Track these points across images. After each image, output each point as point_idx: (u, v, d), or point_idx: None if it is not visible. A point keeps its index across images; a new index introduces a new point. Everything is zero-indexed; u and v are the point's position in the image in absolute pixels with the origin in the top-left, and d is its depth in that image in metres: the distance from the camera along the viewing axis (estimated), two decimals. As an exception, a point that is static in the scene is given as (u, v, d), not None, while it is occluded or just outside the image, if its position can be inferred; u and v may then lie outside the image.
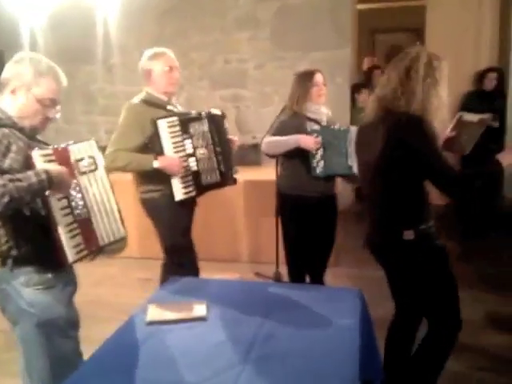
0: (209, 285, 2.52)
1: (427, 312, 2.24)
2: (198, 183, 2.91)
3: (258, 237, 4.56)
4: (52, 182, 1.75)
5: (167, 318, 2.04)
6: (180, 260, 3.02)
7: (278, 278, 3.98)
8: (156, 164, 2.76)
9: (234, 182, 3.13)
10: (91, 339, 2.10)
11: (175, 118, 2.81)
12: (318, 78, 3.23)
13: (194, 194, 2.91)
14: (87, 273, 2.05)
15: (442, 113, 2.10)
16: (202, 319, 2.04)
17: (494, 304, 3.58)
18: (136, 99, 2.93)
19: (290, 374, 1.68)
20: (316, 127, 3.18)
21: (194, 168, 2.88)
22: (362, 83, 5.93)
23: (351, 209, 5.42)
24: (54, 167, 1.81)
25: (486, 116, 2.85)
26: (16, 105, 1.90)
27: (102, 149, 2.13)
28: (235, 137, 3.16)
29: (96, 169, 2.02)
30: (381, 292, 2.49)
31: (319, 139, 3.10)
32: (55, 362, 1.96)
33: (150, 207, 2.98)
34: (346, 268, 4.30)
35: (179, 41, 5.49)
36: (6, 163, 1.74)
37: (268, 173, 4.12)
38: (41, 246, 1.87)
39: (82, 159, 1.97)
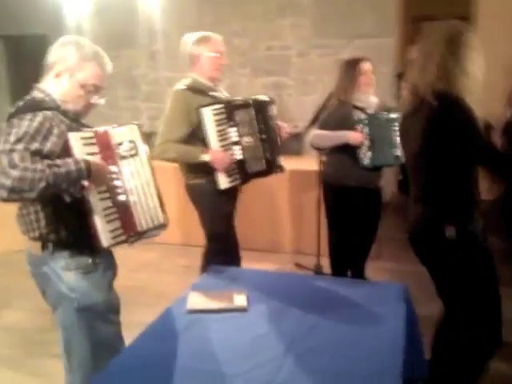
0: (250, 275, 2.49)
1: (468, 313, 2.13)
2: (244, 171, 2.87)
3: (300, 227, 4.50)
4: (90, 173, 1.74)
5: (207, 307, 2.03)
6: (221, 248, 3.00)
7: (318, 270, 3.93)
8: (206, 157, 2.73)
9: (281, 169, 3.07)
10: (132, 324, 2.11)
11: (220, 106, 2.76)
12: (367, 66, 3.14)
13: (239, 182, 2.88)
14: (127, 257, 2.05)
15: (473, 90, 1.93)
16: (242, 310, 2.02)
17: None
18: (181, 85, 2.89)
19: (330, 369, 1.64)
20: (363, 116, 3.11)
21: (240, 156, 2.84)
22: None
23: (393, 201, 5.29)
24: (94, 159, 1.79)
25: None
26: (59, 89, 1.89)
27: (146, 135, 2.11)
28: (285, 123, 3.09)
29: (136, 154, 1.99)
30: (423, 288, 2.41)
31: (366, 133, 3.03)
32: (96, 347, 1.96)
33: (196, 193, 2.97)
34: (386, 262, 4.21)
35: (220, 27, 5.39)
36: (47, 146, 1.73)
37: (310, 163, 4.07)
38: (80, 230, 1.86)
39: (122, 143, 1.95)
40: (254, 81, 5.73)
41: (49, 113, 1.80)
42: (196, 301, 2.09)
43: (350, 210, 3.22)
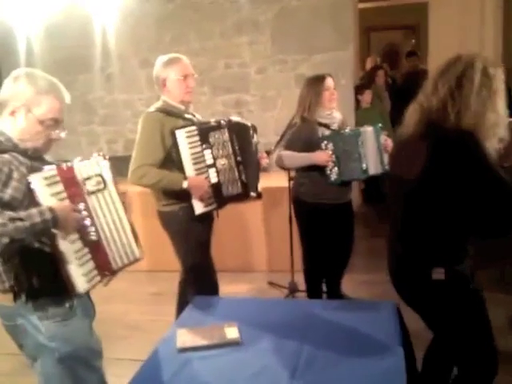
0: (236, 304, 2.43)
1: (459, 358, 2.02)
2: (219, 195, 2.80)
3: (271, 245, 4.46)
4: (57, 221, 1.64)
5: (199, 344, 1.94)
6: (198, 276, 2.92)
7: (293, 288, 3.89)
8: (185, 184, 2.66)
9: (259, 196, 2.98)
10: (106, 359, 2.02)
11: (194, 128, 2.70)
12: (329, 82, 3.16)
13: (214, 206, 2.81)
14: (96, 289, 1.94)
15: (500, 129, 1.78)
16: (235, 343, 1.95)
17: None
18: (152, 108, 2.82)
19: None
20: (327, 133, 3.11)
21: (215, 179, 2.77)
22: (365, 84, 5.84)
23: (359, 211, 5.33)
24: (59, 204, 1.69)
25: None
26: (16, 127, 1.76)
27: (114, 159, 2.01)
28: (264, 154, 3.04)
29: (105, 187, 1.90)
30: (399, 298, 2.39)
31: (331, 153, 3.03)
32: None
33: (169, 221, 2.87)
34: (357, 274, 4.19)
35: (178, 47, 5.37)
36: (8, 194, 1.62)
37: (278, 179, 4.04)
38: (54, 275, 1.75)
39: (89, 178, 1.84)
40: (214, 99, 5.68)
41: (6, 156, 1.68)
42: (185, 338, 2.00)
43: (324, 226, 3.21)
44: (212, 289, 3.00)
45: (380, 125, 3.19)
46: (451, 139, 1.75)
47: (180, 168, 2.68)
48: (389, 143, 3.11)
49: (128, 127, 5.94)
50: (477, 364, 1.97)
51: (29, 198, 1.66)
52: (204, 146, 2.73)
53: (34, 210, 1.61)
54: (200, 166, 2.73)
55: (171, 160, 2.71)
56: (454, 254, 1.86)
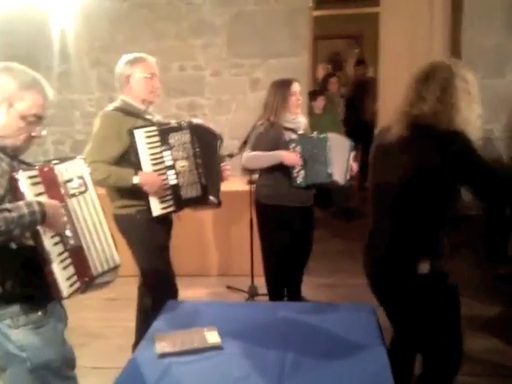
0: (211, 308, 2.38)
1: (426, 349, 2.10)
2: (178, 198, 2.73)
3: (229, 249, 4.42)
4: (45, 216, 1.56)
5: (180, 349, 1.88)
6: (157, 280, 2.84)
7: (253, 291, 3.88)
8: (136, 180, 2.58)
9: (219, 203, 2.93)
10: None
11: (153, 128, 2.64)
12: (296, 87, 3.18)
13: (172, 209, 2.74)
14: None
15: (479, 131, 1.92)
16: (217, 348, 1.90)
17: (476, 308, 3.59)
18: (111, 107, 2.74)
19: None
20: (294, 137, 3.13)
21: (174, 181, 2.71)
22: (319, 90, 5.94)
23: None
24: (48, 200, 1.62)
25: None
26: None
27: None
28: (228, 166, 3.01)
29: (86, 190, 1.82)
30: (360, 300, 2.43)
31: (298, 153, 3.06)
32: None
33: (125, 224, 2.77)
34: (315, 277, 4.22)
35: (132, 47, 5.20)
36: None
37: (237, 183, 4.02)
38: (28, 281, 1.67)
39: (70, 180, 1.77)
40: (168, 101, 5.58)
41: None
42: (165, 343, 1.93)
43: (285, 229, 3.22)
44: (171, 293, 2.92)
45: (353, 143, 3.26)
46: (448, 137, 1.86)
47: (138, 169, 2.61)
48: (355, 166, 3.21)
49: (76, 128, 5.76)
50: (444, 360, 2.05)
51: (12, 196, 1.57)
52: (164, 146, 2.67)
53: (21, 202, 1.53)
54: (159, 167, 2.67)
55: (128, 160, 2.64)
56: (437, 248, 1.97)
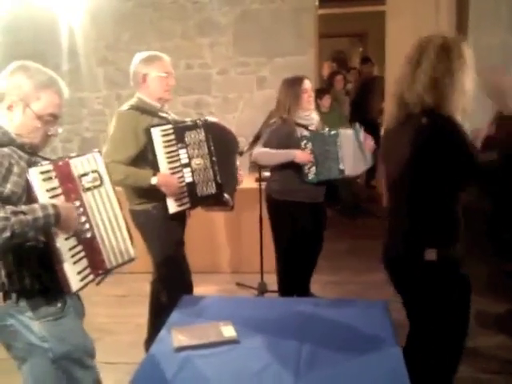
0: (225, 303, 2.41)
1: (429, 339, 2.07)
2: (193, 195, 2.76)
3: (239, 246, 4.45)
4: (59, 218, 1.59)
5: (196, 343, 1.91)
6: (172, 275, 2.87)
7: (263, 288, 3.90)
8: (154, 181, 2.60)
9: (232, 207, 2.97)
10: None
11: (169, 126, 2.66)
12: (307, 84, 3.22)
13: (188, 206, 2.77)
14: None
15: (464, 106, 1.85)
16: (234, 342, 1.93)
17: (484, 305, 3.57)
18: (126, 106, 2.76)
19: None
20: (306, 133, 3.16)
21: (189, 179, 2.74)
22: (325, 88, 5.95)
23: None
24: (62, 202, 1.66)
25: None
26: (13, 121, 1.70)
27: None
28: (241, 172, 3.03)
29: (101, 184, 1.85)
30: (367, 297, 2.44)
31: (310, 152, 3.08)
32: None
33: (142, 220, 2.81)
34: (323, 275, 4.21)
35: (138, 46, 5.25)
36: (8, 188, 1.56)
37: (248, 180, 4.04)
38: (45, 274, 1.71)
39: (85, 174, 1.80)
40: (175, 99, 5.57)
41: (5, 149, 1.61)
42: (181, 337, 1.96)
43: (298, 225, 3.24)
44: (186, 288, 2.96)
45: (358, 124, 3.27)
46: (423, 124, 1.83)
47: (154, 167, 2.64)
48: (369, 142, 3.21)
49: (84, 126, 5.78)
50: (445, 353, 2.03)
51: (28, 194, 1.60)
52: (179, 145, 2.70)
53: (35, 205, 1.56)
54: (175, 165, 2.69)
55: (145, 159, 2.66)
56: (446, 236, 1.93)
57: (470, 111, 1.88)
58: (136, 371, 1.79)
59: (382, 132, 2.24)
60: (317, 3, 5.50)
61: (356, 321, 2.11)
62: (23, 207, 1.53)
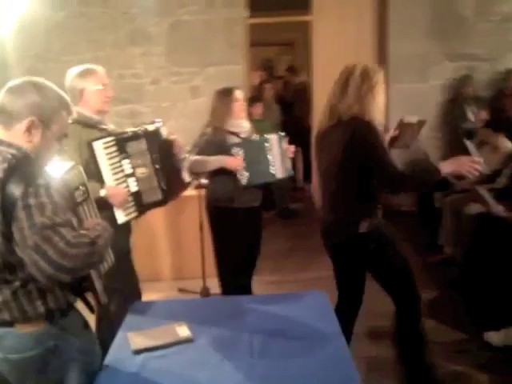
0: (174, 306, 2.50)
1: (391, 292, 2.60)
2: (140, 203, 2.82)
3: (180, 252, 4.51)
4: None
5: (154, 344, 1.98)
6: (122, 286, 2.90)
7: (205, 293, 3.99)
8: (103, 193, 2.64)
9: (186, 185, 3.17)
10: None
11: (111, 138, 2.70)
12: (238, 94, 3.38)
13: (135, 215, 2.83)
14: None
15: (378, 116, 2.48)
16: (189, 340, 2.02)
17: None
18: (69, 120, 2.78)
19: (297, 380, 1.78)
20: (237, 140, 3.31)
21: (135, 188, 2.80)
22: (256, 96, 6.13)
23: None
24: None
25: (424, 118, 3.13)
26: (32, 143, 1.61)
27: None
28: (174, 136, 3.03)
29: (88, 197, 1.85)
30: None
31: (242, 158, 3.22)
32: None
33: None
34: (264, 275, 4.33)
35: (69, 56, 5.25)
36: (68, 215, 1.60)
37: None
38: (73, 290, 1.75)
39: (77, 188, 1.77)
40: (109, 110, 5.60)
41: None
42: (138, 340, 2.02)
43: (236, 230, 3.37)
44: (136, 296, 3.01)
45: (282, 133, 3.45)
46: (351, 125, 2.43)
47: (99, 179, 2.67)
48: (290, 149, 3.42)
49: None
50: (404, 295, 2.58)
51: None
52: (122, 155, 2.75)
53: (99, 228, 1.66)
54: (119, 175, 2.74)
55: (89, 172, 2.69)
56: (371, 210, 2.55)
57: (382, 119, 2.54)
58: (97, 376, 1.84)
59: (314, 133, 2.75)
60: (246, 14, 5.67)
61: (301, 312, 2.27)
62: (96, 231, 1.64)
